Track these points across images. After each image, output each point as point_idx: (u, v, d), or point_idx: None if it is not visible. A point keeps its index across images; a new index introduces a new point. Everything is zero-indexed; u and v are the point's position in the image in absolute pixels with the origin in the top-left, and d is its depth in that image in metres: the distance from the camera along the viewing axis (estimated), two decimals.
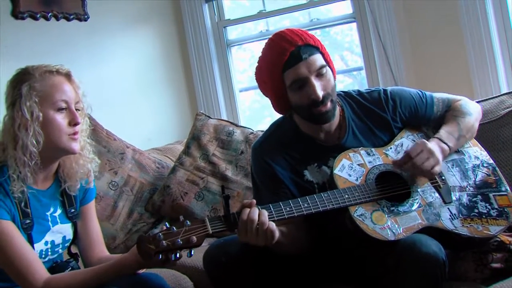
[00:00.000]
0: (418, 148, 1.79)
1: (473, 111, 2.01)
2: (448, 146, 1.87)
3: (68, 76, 1.77)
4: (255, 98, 4.10)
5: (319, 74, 1.79)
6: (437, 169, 1.80)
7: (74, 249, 1.93)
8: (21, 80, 1.70)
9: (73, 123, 1.72)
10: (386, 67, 3.39)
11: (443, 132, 1.91)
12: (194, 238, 1.49)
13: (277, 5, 3.83)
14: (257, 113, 4.13)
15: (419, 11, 3.31)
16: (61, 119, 1.71)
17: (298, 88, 1.80)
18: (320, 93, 1.77)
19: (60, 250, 1.84)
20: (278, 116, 2.03)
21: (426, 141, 1.81)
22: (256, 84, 1.95)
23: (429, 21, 3.29)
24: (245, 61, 4.13)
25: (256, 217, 1.57)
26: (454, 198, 1.82)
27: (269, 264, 1.77)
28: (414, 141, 1.93)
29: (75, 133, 1.73)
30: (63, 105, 1.71)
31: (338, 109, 1.92)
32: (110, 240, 2.58)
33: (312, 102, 1.78)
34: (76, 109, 1.75)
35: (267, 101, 1.96)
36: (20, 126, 1.66)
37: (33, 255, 1.66)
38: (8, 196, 1.66)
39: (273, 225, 1.59)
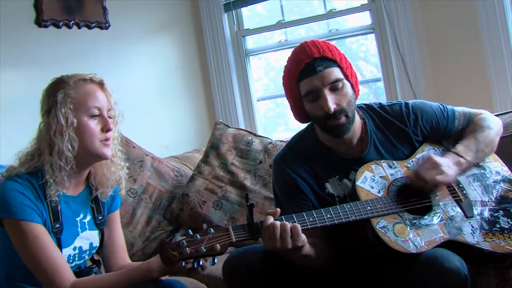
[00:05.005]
0: (422, 160, 1.82)
1: (493, 125, 2.00)
2: (465, 159, 1.87)
3: (101, 84, 1.82)
4: (270, 106, 4.12)
5: (334, 88, 1.79)
6: (439, 178, 1.78)
7: (96, 256, 1.95)
8: (57, 88, 1.75)
9: (105, 129, 1.77)
10: (404, 79, 3.39)
11: (459, 146, 1.91)
12: (218, 246, 1.48)
13: (295, 15, 3.85)
14: (272, 122, 4.14)
15: (438, 23, 3.31)
16: (94, 125, 1.76)
17: (312, 100, 1.81)
18: (332, 106, 1.77)
19: (87, 257, 1.87)
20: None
21: (432, 155, 1.83)
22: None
23: (449, 32, 3.28)
24: (260, 69, 4.15)
25: (278, 222, 1.57)
26: (475, 212, 1.81)
27: (288, 275, 1.77)
28: (435, 154, 1.92)
29: (107, 139, 1.78)
30: (96, 111, 1.76)
31: (360, 122, 1.93)
32: (128, 247, 2.55)
33: (325, 114, 1.79)
34: (108, 117, 1.80)
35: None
36: (55, 132, 1.71)
37: (61, 258, 1.70)
38: (40, 200, 1.70)
39: (298, 228, 1.57)
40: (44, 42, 2.99)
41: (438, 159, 1.81)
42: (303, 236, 1.59)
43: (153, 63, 3.68)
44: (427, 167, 1.79)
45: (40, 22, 2.96)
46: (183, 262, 1.46)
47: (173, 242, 1.47)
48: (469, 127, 1.99)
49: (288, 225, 1.57)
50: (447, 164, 1.82)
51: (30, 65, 2.90)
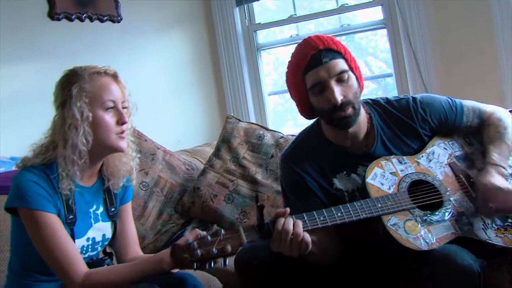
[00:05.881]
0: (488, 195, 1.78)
1: (509, 122, 1.99)
2: (505, 168, 1.86)
3: (115, 76, 1.82)
4: (278, 101, 4.13)
5: (340, 79, 1.79)
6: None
7: (109, 249, 1.96)
8: (71, 81, 1.75)
9: (120, 122, 1.78)
10: (416, 74, 3.38)
11: (494, 155, 1.88)
12: (229, 248, 1.48)
13: (307, 10, 3.84)
14: (280, 117, 4.16)
15: (451, 18, 3.30)
16: (109, 118, 1.76)
17: (318, 92, 1.81)
18: (339, 97, 1.77)
19: (99, 248, 1.88)
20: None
21: (499, 185, 1.78)
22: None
23: (461, 28, 3.27)
24: (269, 64, 4.16)
25: (291, 227, 1.56)
26: None
27: (298, 269, 1.77)
28: (445, 149, 1.93)
29: (122, 132, 1.79)
30: (111, 104, 1.76)
31: (366, 116, 1.92)
32: (139, 240, 2.54)
33: (332, 106, 1.78)
34: (123, 107, 1.80)
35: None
36: (70, 125, 1.71)
37: (75, 249, 1.71)
38: (55, 191, 1.71)
39: (307, 236, 1.58)
40: (57, 35, 3.01)
41: (499, 192, 1.77)
42: (309, 243, 1.59)
43: (165, 57, 3.69)
44: (494, 201, 1.76)
45: (53, 15, 2.98)
46: (195, 264, 1.47)
47: (185, 244, 1.47)
48: (491, 129, 1.97)
49: (301, 235, 1.56)
50: (505, 185, 1.79)
51: (42, 57, 2.91)
